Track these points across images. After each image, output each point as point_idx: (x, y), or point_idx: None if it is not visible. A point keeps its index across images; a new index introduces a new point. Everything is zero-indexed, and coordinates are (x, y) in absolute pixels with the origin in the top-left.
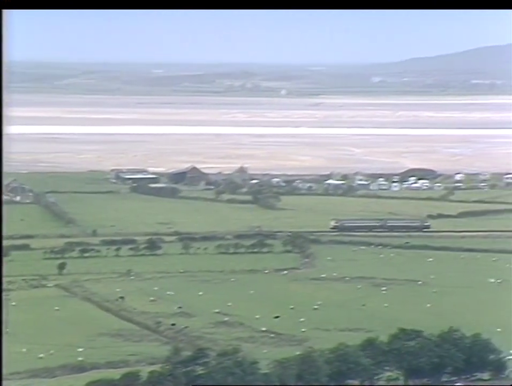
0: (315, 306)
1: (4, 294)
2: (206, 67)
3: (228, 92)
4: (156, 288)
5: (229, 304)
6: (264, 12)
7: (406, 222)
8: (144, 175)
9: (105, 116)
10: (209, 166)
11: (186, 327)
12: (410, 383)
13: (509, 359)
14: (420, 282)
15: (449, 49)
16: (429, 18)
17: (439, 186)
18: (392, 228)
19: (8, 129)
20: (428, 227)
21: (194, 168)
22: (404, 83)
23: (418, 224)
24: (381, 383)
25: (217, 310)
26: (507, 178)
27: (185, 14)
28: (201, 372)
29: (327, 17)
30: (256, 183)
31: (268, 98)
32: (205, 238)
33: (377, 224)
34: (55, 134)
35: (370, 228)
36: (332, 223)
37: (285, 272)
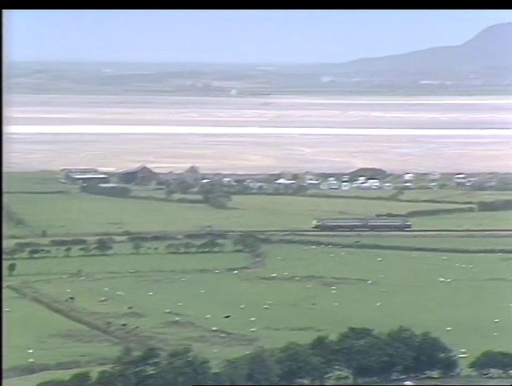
0: (266, 306)
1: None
2: (157, 67)
3: (179, 91)
4: (106, 288)
5: (180, 304)
6: (215, 12)
7: (387, 221)
8: (95, 174)
9: (55, 116)
10: (160, 166)
11: (137, 327)
12: (360, 381)
13: (459, 357)
14: (369, 281)
15: (398, 50)
16: (379, 18)
17: (388, 185)
18: (373, 228)
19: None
20: (409, 226)
21: (145, 168)
22: (354, 83)
23: (399, 223)
24: (330, 381)
25: (167, 310)
26: (457, 178)
27: (135, 13)
28: (151, 372)
29: (278, 17)
30: (207, 183)
31: (219, 98)
32: (155, 238)
33: (359, 223)
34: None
35: (351, 227)
36: (314, 223)
37: (236, 271)
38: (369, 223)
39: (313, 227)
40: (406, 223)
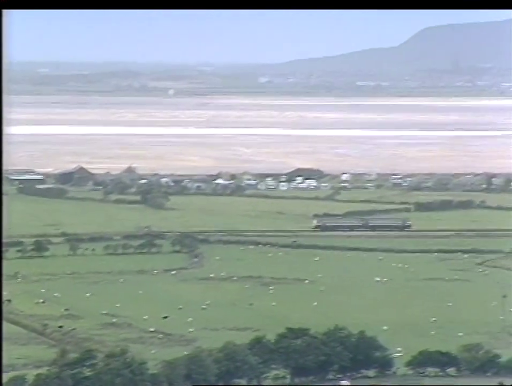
0: (204, 306)
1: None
2: (93, 67)
3: (115, 92)
4: (43, 290)
5: (117, 305)
6: (150, 11)
7: (387, 221)
8: (31, 175)
9: None
10: (97, 167)
11: (74, 329)
12: (296, 381)
13: (395, 356)
14: (307, 281)
15: (335, 50)
16: (315, 19)
17: (325, 186)
18: (373, 228)
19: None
20: (409, 226)
21: (81, 168)
22: (291, 84)
23: (400, 223)
24: (268, 381)
25: (105, 311)
26: (393, 178)
27: (70, 13)
28: (88, 374)
29: (214, 17)
30: (144, 183)
31: (156, 98)
32: (93, 239)
33: (359, 223)
34: None
35: (352, 227)
36: (315, 223)
37: (174, 272)
38: (369, 224)
39: (313, 227)
40: (407, 223)
